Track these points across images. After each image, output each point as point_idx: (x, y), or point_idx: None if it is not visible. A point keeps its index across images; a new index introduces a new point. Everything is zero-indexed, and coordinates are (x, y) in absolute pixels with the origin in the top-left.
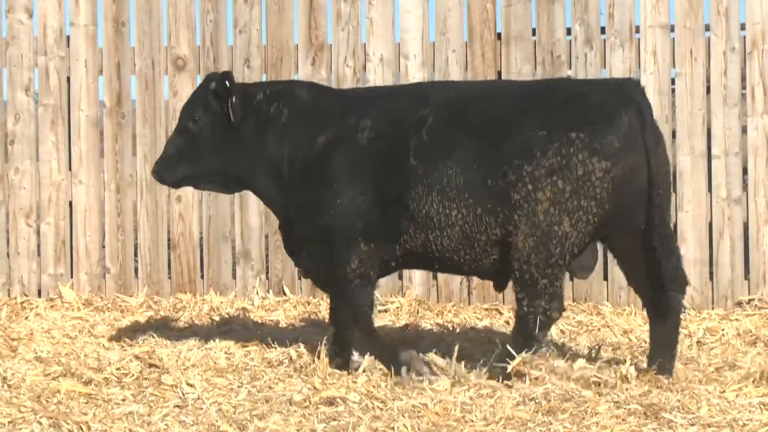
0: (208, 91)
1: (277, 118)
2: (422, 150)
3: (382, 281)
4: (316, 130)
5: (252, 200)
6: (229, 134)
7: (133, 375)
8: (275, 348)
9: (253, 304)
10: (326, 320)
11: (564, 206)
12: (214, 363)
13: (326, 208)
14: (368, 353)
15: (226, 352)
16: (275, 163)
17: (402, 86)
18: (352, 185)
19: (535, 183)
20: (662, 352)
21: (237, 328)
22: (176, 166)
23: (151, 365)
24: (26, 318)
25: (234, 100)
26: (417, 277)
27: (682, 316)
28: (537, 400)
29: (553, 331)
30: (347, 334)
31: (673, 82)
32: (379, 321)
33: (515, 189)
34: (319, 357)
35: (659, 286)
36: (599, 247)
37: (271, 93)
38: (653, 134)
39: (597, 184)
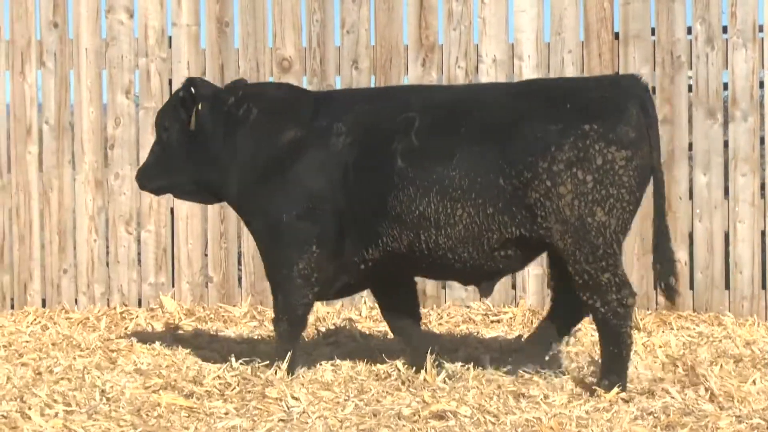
0: (177, 98)
1: (245, 121)
2: (412, 153)
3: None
4: (283, 132)
5: None
6: (197, 142)
7: (235, 388)
8: (383, 360)
9: (360, 314)
10: (435, 330)
11: (591, 197)
12: (320, 376)
13: (285, 208)
14: (278, 347)
15: (332, 365)
16: (243, 168)
17: (379, 89)
18: (316, 189)
19: (554, 179)
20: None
21: (343, 340)
22: (153, 175)
23: (254, 377)
24: (126, 329)
25: (200, 108)
26: (531, 286)
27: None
28: (656, 415)
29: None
30: (275, 328)
31: None
32: (492, 331)
33: (533, 187)
34: (427, 369)
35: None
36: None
37: (243, 96)
38: (657, 131)
39: (622, 172)
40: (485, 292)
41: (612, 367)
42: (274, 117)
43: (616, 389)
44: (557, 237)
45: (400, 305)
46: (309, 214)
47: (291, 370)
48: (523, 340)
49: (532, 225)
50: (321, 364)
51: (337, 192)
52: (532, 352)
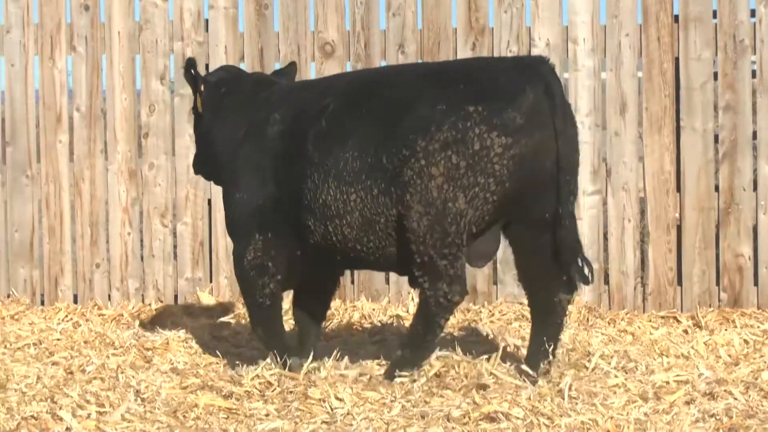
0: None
1: (221, 109)
2: (320, 138)
3: None
4: (239, 123)
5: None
6: (200, 128)
7: (276, 388)
8: (431, 359)
9: (407, 311)
10: (487, 328)
11: (459, 182)
12: (366, 375)
13: (231, 201)
14: (264, 342)
15: (378, 364)
16: (215, 159)
17: (318, 79)
18: (253, 179)
19: (428, 157)
20: (537, 353)
21: (390, 338)
22: (196, 161)
23: (295, 377)
24: (161, 326)
25: (203, 90)
26: None
27: (566, 319)
28: (718, 417)
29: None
30: (252, 332)
31: None
32: None
33: (408, 165)
34: (476, 369)
35: (547, 283)
36: None
37: (227, 82)
38: (563, 115)
39: (496, 160)
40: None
41: (411, 344)
42: (236, 108)
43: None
44: (415, 218)
45: (315, 298)
46: (251, 203)
47: (288, 367)
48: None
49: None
50: (366, 363)
51: (270, 182)
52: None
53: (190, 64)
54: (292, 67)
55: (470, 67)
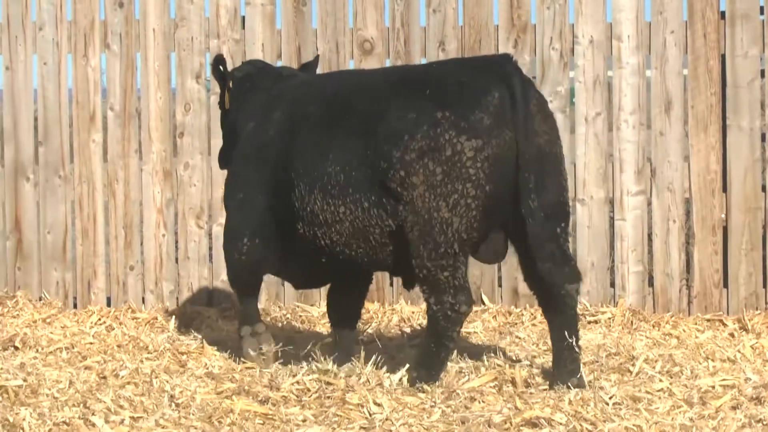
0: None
1: (245, 105)
2: (302, 149)
3: (591, 289)
4: (252, 119)
5: None
6: (226, 123)
7: (313, 393)
8: (472, 362)
9: None
10: (528, 332)
11: (438, 190)
12: (405, 380)
13: (228, 200)
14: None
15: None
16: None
17: (320, 76)
18: (249, 175)
19: (407, 168)
20: (563, 354)
21: None
22: (221, 156)
23: (333, 382)
24: (197, 329)
25: (231, 86)
26: (630, 284)
27: (578, 310)
28: (765, 422)
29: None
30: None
31: None
32: (589, 333)
33: (389, 177)
34: (518, 373)
35: (538, 279)
36: None
37: (245, 76)
38: (525, 113)
39: (470, 164)
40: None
41: (424, 362)
42: (254, 103)
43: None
44: (409, 229)
45: (344, 302)
46: (243, 203)
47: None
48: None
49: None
50: (405, 368)
51: (265, 185)
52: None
53: (218, 60)
54: (315, 60)
55: (436, 71)
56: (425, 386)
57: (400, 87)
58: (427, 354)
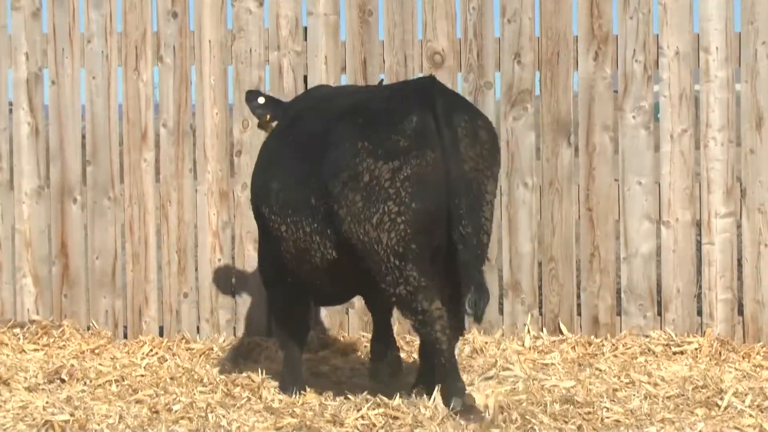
0: None
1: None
2: (280, 167)
3: (676, 318)
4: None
5: (522, 223)
6: None
7: (379, 428)
8: (551, 397)
9: (523, 345)
10: (608, 363)
11: (362, 216)
12: (477, 414)
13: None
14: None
15: (487, 402)
16: None
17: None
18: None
19: (336, 200)
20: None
21: (504, 374)
22: None
23: (399, 416)
24: (255, 361)
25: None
26: (719, 312)
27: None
28: None
29: None
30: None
31: None
32: (674, 365)
33: (326, 206)
34: (599, 406)
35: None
36: None
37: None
38: (448, 135)
39: (388, 185)
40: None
41: (448, 378)
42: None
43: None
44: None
45: (376, 324)
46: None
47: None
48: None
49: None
50: (478, 401)
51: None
52: None
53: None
54: (380, 84)
55: (368, 97)
56: (464, 398)
57: (346, 113)
58: (441, 373)
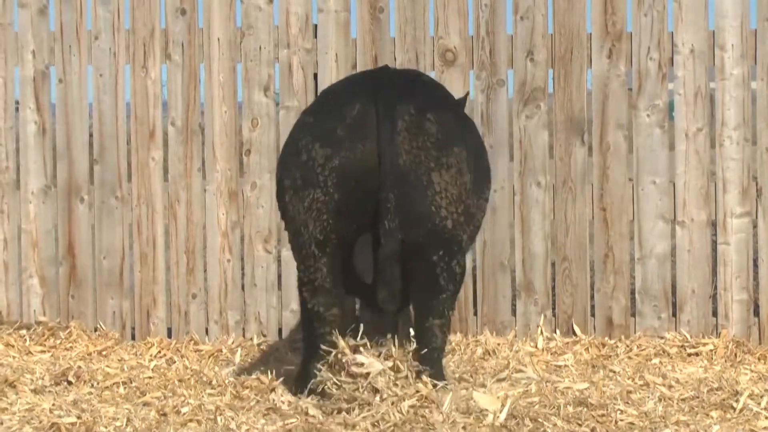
0: None
1: None
2: None
3: (691, 319)
4: None
5: (535, 223)
6: None
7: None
8: (562, 398)
9: (536, 347)
10: (622, 365)
11: (298, 194)
12: (489, 419)
13: None
14: None
15: (501, 404)
16: None
17: None
18: None
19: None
20: None
21: (517, 375)
22: None
23: (418, 419)
24: (264, 363)
25: None
26: (734, 313)
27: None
28: None
29: None
30: None
31: None
32: (689, 366)
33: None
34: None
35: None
36: None
37: None
38: (386, 126)
39: (319, 171)
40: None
41: (297, 375)
42: None
43: None
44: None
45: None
46: None
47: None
48: None
49: None
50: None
51: None
52: None
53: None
54: (465, 98)
55: (342, 83)
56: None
57: (318, 96)
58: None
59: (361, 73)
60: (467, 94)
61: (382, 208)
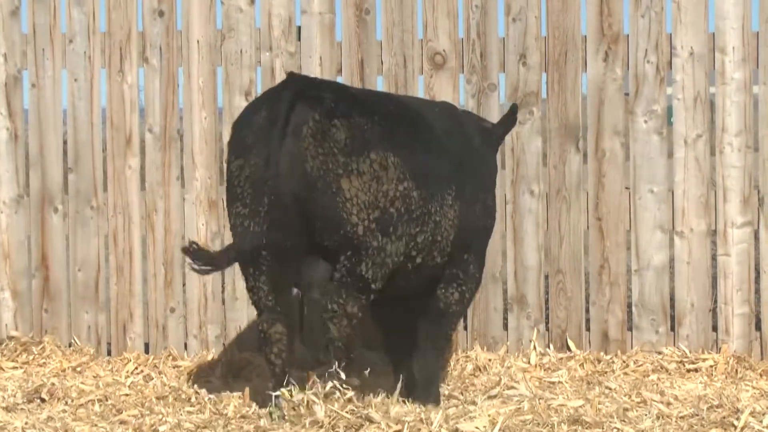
0: None
1: None
2: None
3: (690, 333)
4: None
5: (528, 233)
6: None
7: None
8: (556, 416)
9: (529, 362)
10: (618, 382)
11: (229, 210)
12: None
13: None
14: None
15: (491, 421)
16: None
17: None
18: None
19: None
20: None
21: (509, 392)
22: None
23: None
24: (246, 379)
25: None
26: (735, 328)
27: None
28: None
29: None
30: None
31: None
32: (688, 383)
33: None
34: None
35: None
36: None
37: None
38: (278, 131)
39: (235, 183)
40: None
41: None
42: None
43: None
44: None
45: None
46: None
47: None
48: None
49: None
50: (479, 422)
51: None
52: None
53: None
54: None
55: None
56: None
57: None
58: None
59: (281, 83)
60: (514, 107)
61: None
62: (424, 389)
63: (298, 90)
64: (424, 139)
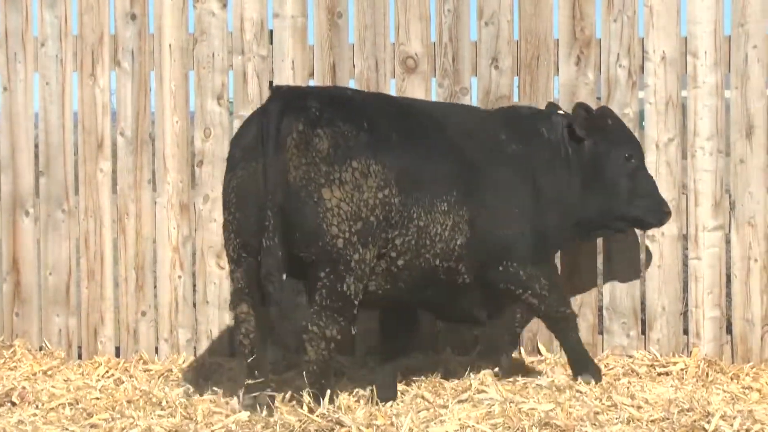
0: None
1: None
2: None
3: (661, 337)
4: None
5: None
6: None
7: None
8: (527, 420)
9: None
10: (590, 387)
11: (223, 215)
12: None
13: None
14: None
15: (461, 424)
16: None
17: None
18: None
19: None
20: None
21: (480, 396)
22: None
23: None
24: (217, 383)
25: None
26: (706, 331)
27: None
28: None
29: None
30: None
31: None
32: (659, 386)
33: None
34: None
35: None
36: None
37: None
38: (271, 144)
39: (224, 194)
40: None
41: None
42: None
43: None
44: None
45: None
46: None
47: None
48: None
49: None
50: (449, 426)
51: None
52: None
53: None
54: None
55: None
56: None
57: None
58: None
59: (268, 97)
60: (551, 106)
61: (262, 226)
62: (581, 368)
63: (283, 102)
64: (425, 144)
